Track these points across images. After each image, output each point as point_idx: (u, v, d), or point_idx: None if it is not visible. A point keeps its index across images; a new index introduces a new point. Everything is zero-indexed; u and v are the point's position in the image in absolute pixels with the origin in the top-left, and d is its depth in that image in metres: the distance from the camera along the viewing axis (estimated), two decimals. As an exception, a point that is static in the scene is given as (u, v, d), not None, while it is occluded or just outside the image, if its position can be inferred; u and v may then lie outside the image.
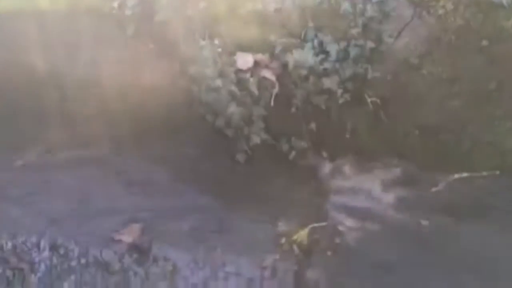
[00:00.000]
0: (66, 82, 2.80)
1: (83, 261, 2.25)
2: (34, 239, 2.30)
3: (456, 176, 2.61)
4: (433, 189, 2.59)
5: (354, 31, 2.53)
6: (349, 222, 2.49)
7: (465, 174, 2.62)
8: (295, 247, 2.30)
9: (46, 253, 2.27)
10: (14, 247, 2.28)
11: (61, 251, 2.28)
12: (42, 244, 2.29)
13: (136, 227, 2.35)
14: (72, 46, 2.77)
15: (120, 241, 2.28)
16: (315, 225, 2.37)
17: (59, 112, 2.79)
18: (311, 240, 2.32)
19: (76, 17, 2.74)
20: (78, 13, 2.74)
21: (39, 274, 2.20)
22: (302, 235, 2.34)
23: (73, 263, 2.24)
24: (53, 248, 2.29)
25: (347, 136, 2.75)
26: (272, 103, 2.59)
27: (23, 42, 2.78)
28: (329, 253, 2.33)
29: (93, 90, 2.83)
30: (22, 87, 2.81)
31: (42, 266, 2.22)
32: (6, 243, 2.28)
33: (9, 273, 2.19)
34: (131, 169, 2.70)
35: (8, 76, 2.79)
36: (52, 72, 2.79)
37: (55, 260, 2.25)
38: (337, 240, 2.39)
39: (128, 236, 2.31)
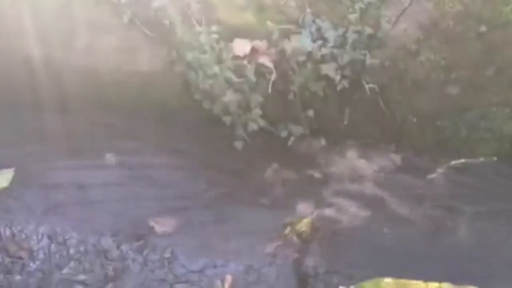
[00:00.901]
0: (62, 69, 2.79)
1: (81, 248, 2.26)
2: (32, 227, 2.31)
3: (453, 162, 2.62)
4: (431, 176, 2.60)
5: (352, 17, 2.51)
6: (348, 208, 2.50)
7: (462, 160, 2.63)
8: (294, 234, 2.31)
9: (45, 241, 2.28)
10: (13, 235, 2.29)
11: (60, 239, 2.29)
12: (40, 232, 2.30)
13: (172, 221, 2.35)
14: (68, 33, 2.75)
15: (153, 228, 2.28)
16: (315, 212, 2.38)
17: (54, 99, 2.78)
18: (311, 228, 2.34)
19: (72, 4, 2.72)
20: (74, 0, 2.72)
21: (38, 262, 2.21)
22: (303, 223, 2.35)
23: (72, 251, 2.25)
24: (52, 236, 2.30)
25: (345, 122, 2.75)
26: (269, 90, 2.58)
27: (18, 29, 2.76)
28: (327, 239, 2.35)
29: (89, 77, 2.81)
30: (17, 75, 2.80)
31: (41, 254, 2.24)
32: (5, 231, 2.29)
33: (8, 261, 2.20)
34: (128, 156, 2.70)
35: (3, 64, 2.78)
36: (47, 59, 2.78)
37: (53, 248, 2.26)
38: (336, 227, 2.40)
39: (162, 226, 2.31)
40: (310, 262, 2.27)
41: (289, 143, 2.62)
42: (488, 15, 2.53)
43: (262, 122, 2.61)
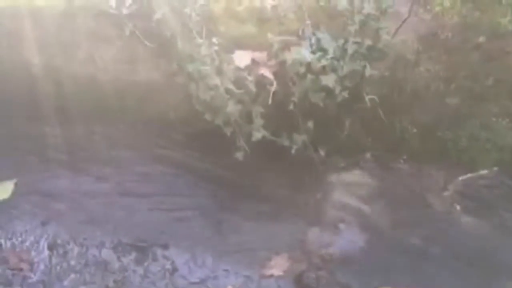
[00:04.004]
0: (63, 81, 2.80)
1: (82, 260, 2.26)
2: (33, 239, 2.31)
3: (461, 178, 2.62)
4: (446, 193, 2.60)
5: (352, 29, 2.52)
6: (349, 221, 2.50)
7: (469, 175, 2.62)
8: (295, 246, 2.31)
9: (45, 253, 2.28)
10: (14, 246, 2.29)
11: (60, 251, 2.29)
12: (41, 243, 2.30)
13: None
14: (69, 45, 2.76)
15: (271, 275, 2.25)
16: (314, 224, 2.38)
17: (55, 109, 2.79)
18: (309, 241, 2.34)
19: (73, 16, 2.73)
20: (75, 12, 2.73)
21: (38, 274, 2.21)
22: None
23: (73, 263, 2.25)
24: (53, 247, 2.30)
25: (345, 133, 2.75)
26: (270, 101, 2.59)
27: (20, 41, 2.77)
28: (328, 252, 2.35)
29: (90, 88, 2.82)
30: (18, 85, 2.81)
31: (42, 266, 2.23)
32: (6, 243, 2.29)
33: (8, 273, 2.19)
34: (128, 168, 2.70)
35: (4, 74, 2.79)
36: (49, 70, 2.79)
37: (54, 260, 2.26)
38: (336, 240, 2.40)
39: (278, 269, 2.28)
40: (311, 273, 2.26)
41: (292, 151, 2.62)
42: (486, 26, 2.55)
43: (264, 132, 2.61)
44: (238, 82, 2.58)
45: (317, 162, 2.71)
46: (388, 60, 2.60)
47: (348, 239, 2.42)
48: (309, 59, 2.52)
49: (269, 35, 2.59)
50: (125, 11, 2.64)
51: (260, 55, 2.63)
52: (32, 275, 2.20)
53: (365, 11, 2.48)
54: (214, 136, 2.66)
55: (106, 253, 2.28)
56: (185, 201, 2.56)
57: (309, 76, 2.54)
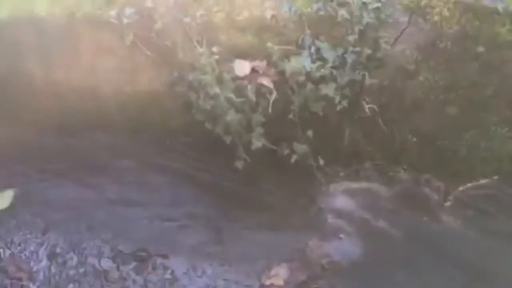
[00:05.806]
0: (64, 90, 2.81)
1: (81, 270, 2.25)
2: (32, 248, 2.31)
3: (462, 188, 2.61)
4: (447, 204, 2.59)
5: (351, 38, 2.53)
6: (349, 230, 2.50)
7: (469, 185, 2.62)
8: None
9: (44, 262, 2.27)
10: (13, 256, 2.28)
11: (60, 260, 2.28)
12: (40, 253, 2.29)
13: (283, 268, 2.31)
14: (71, 55, 2.77)
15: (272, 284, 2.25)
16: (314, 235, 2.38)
17: (56, 119, 2.80)
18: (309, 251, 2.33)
19: (75, 26, 2.75)
20: (76, 22, 2.75)
21: (37, 283, 2.20)
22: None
23: (72, 272, 2.24)
24: (52, 257, 2.29)
25: (345, 142, 2.76)
26: (269, 110, 2.60)
27: (21, 51, 2.78)
28: (328, 262, 2.34)
29: (91, 98, 2.83)
30: (19, 95, 2.81)
31: (41, 275, 2.22)
32: (4, 252, 2.28)
33: (7, 282, 2.18)
34: (128, 177, 2.70)
35: (6, 84, 2.80)
36: (50, 80, 2.80)
37: (53, 269, 2.25)
38: (336, 250, 2.40)
39: (278, 279, 2.28)
40: (311, 283, 2.25)
41: (292, 160, 2.62)
42: (485, 35, 2.56)
43: (264, 141, 2.62)
44: (238, 91, 2.59)
45: (317, 171, 2.71)
46: (387, 69, 2.61)
47: (349, 249, 2.42)
48: (308, 68, 2.53)
49: (269, 45, 2.61)
50: (126, 21, 2.65)
51: (260, 64, 2.65)
52: (31, 285, 2.19)
53: (365, 21, 2.49)
54: (214, 145, 2.67)
55: (106, 263, 2.28)
56: (185, 210, 2.56)
57: (309, 85, 2.55)
